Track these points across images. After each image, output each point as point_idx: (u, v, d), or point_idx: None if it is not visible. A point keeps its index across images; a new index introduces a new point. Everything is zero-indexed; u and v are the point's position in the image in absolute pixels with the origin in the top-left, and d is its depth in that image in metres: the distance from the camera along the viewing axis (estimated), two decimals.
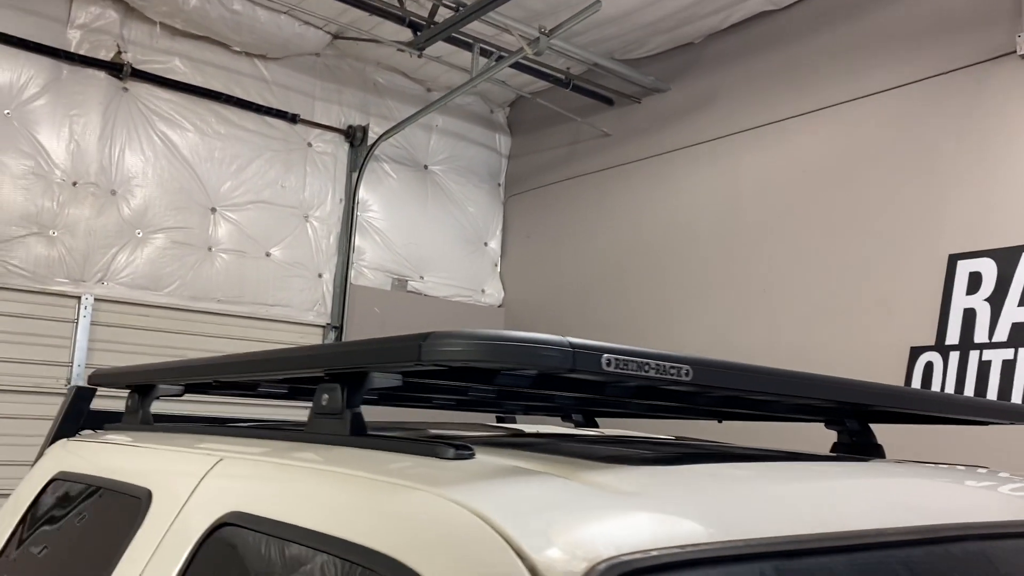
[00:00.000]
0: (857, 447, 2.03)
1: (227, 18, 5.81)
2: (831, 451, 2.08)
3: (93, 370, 2.49)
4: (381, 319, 6.60)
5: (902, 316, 4.70)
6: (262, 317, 6.15)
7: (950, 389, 4.43)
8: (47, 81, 5.39)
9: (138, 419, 2.17)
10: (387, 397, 2.28)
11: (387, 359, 1.24)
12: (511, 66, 5.87)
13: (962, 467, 1.84)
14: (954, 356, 4.46)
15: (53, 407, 4.62)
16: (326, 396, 1.45)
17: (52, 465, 2.16)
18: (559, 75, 6.49)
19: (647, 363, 1.22)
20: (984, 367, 4.34)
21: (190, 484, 1.51)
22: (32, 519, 2.05)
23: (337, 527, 1.11)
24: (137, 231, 5.67)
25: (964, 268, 4.50)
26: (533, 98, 6.91)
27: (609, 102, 6.66)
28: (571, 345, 1.15)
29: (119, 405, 2.37)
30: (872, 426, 2.05)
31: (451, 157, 7.25)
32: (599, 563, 0.88)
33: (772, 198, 5.47)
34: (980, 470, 1.80)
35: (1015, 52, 4.43)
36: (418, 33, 5.63)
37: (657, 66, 6.32)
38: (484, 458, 1.24)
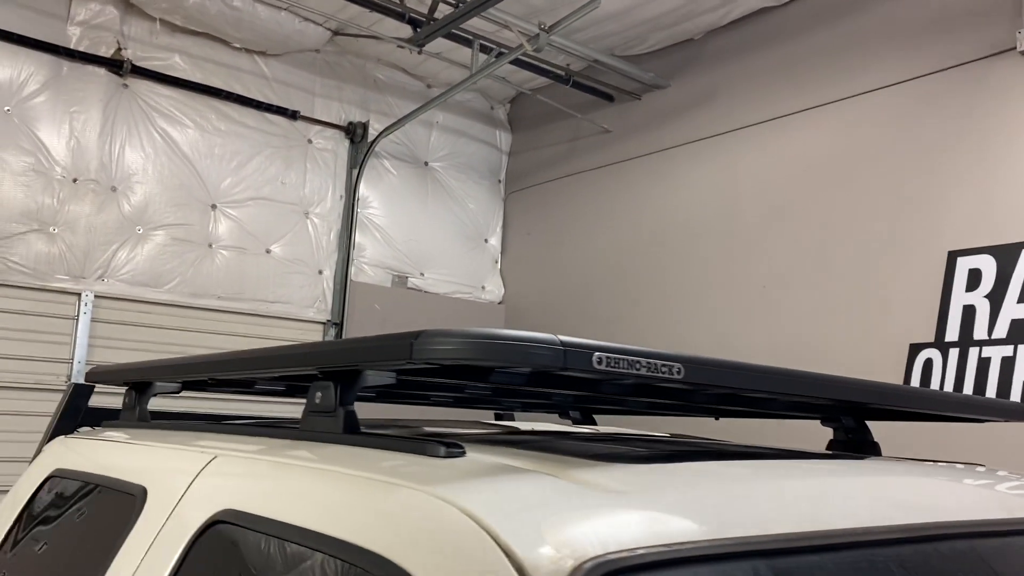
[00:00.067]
0: (853, 444, 2.04)
1: (227, 14, 5.81)
2: (827, 448, 2.08)
3: (90, 367, 2.50)
4: (381, 316, 6.60)
5: (902, 313, 4.70)
6: (262, 314, 6.16)
7: (949, 386, 4.43)
8: (47, 78, 5.39)
9: (135, 416, 2.18)
10: (384, 394, 2.28)
11: (379, 357, 1.25)
12: (511, 62, 5.86)
13: (960, 465, 1.84)
14: (953, 353, 4.46)
15: (53, 404, 4.62)
16: (319, 394, 1.45)
17: (50, 462, 2.17)
18: (559, 71, 6.48)
19: (638, 361, 1.22)
20: (983, 364, 4.34)
21: (184, 481, 1.52)
22: (29, 516, 2.06)
23: (328, 525, 1.12)
24: (137, 228, 5.68)
25: (964, 265, 4.50)
26: (533, 94, 6.91)
27: (609, 98, 6.66)
28: (562, 343, 1.15)
29: (118, 402, 2.38)
30: (871, 423, 2.05)
31: (451, 154, 7.25)
32: (586, 561, 0.88)
33: (772, 194, 5.47)
34: (977, 468, 1.80)
35: (1015, 48, 4.42)
36: (418, 29, 5.63)
37: (657, 62, 6.31)
38: (475, 456, 1.24)
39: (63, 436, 2.32)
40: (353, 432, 1.39)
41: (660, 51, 6.30)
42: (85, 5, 5.56)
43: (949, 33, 4.72)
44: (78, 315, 5.41)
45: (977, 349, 4.38)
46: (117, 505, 1.67)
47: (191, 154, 5.93)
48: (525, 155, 7.47)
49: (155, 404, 2.24)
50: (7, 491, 2.30)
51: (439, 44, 5.98)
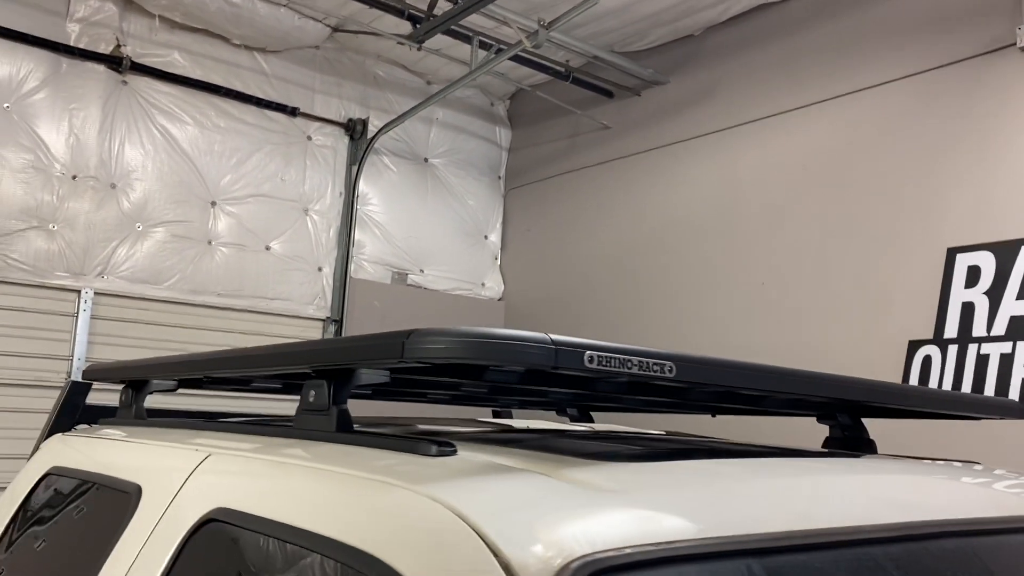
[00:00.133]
0: (849, 442, 2.04)
1: (226, 11, 5.81)
2: (823, 446, 2.08)
3: (87, 365, 2.50)
4: (381, 312, 6.61)
5: (901, 309, 4.70)
6: (262, 311, 6.16)
7: (948, 383, 4.43)
8: (46, 75, 5.39)
9: (131, 414, 2.18)
10: (381, 392, 2.28)
11: (371, 356, 1.25)
12: (511, 59, 5.86)
13: (957, 463, 1.84)
14: (952, 350, 4.46)
15: (53, 401, 4.63)
16: (313, 393, 1.45)
17: (47, 460, 2.17)
18: (559, 68, 6.48)
19: (630, 360, 1.22)
20: (982, 360, 4.34)
21: (179, 480, 1.52)
22: (26, 513, 2.06)
23: (318, 523, 1.12)
24: (137, 225, 5.68)
25: (963, 261, 4.50)
26: (533, 91, 6.90)
27: (609, 95, 6.65)
28: (553, 342, 1.15)
29: (116, 399, 2.38)
30: (869, 420, 2.05)
31: (451, 150, 7.24)
32: (573, 560, 0.88)
33: (771, 191, 5.46)
34: (975, 467, 1.80)
35: (1015, 44, 4.41)
36: (417, 26, 5.63)
37: (656, 59, 6.31)
38: (467, 455, 1.25)
39: (60, 434, 2.32)
40: (346, 431, 1.39)
41: (660, 47, 6.29)
42: (84, 2, 5.56)
43: (949, 29, 4.71)
44: (78, 312, 5.41)
45: (976, 346, 4.38)
46: (112, 503, 1.67)
47: (190, 151, 5.93)
48: (525, 151, 7.47)
49: (155, 401, 2.24)
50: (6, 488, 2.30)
51: (439, 40, 5.98)
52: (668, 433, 2.42)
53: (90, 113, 5.53)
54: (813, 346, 5.04)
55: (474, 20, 5.57)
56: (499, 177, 7.55)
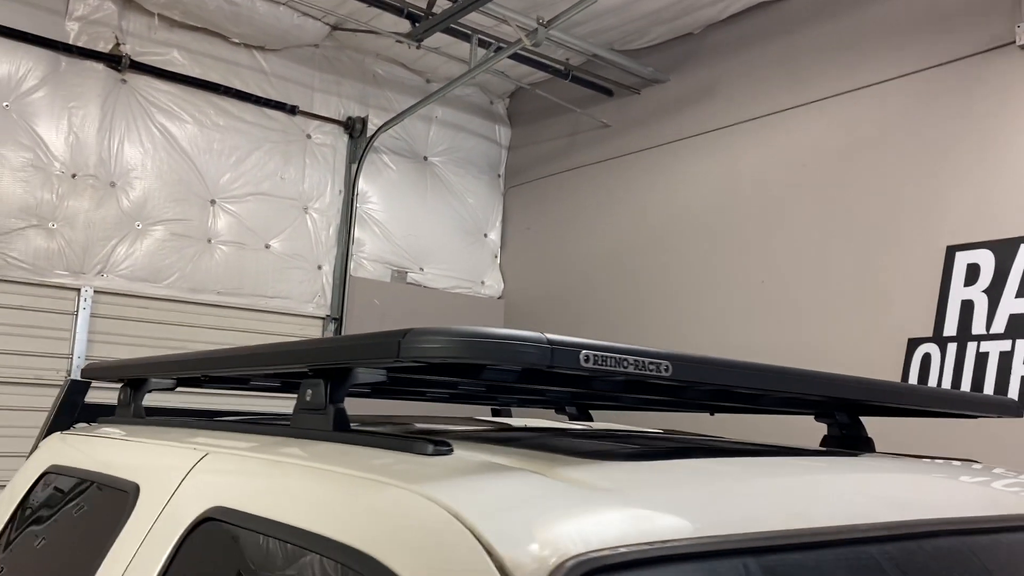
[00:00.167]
0: (847, 440, 2.04)
1: (225, 9, 5.81)
2: (821, 444, 2.08)
3: (86, 363, 2.50)
4: (381, 311, 6.61)
5: (900, 307, 4.70)
6: (261, 309, 6.16)
7: (947, 380, 4.43)
8: (45, 73, 5.39)
9: (130, 412, 2.19)
10: (380, 390, 2.28)
11: (367, 356, 1.25)
12: (510, 57, 5.86)
13: (956, 462, 1.84)
14: (952, 348, 4.46)
15: (53, 399, 4.64)
16: (310, 392, 1.46)
17: (45, 458, 2.17)
18: (558, 66, 6.47)
19: (626, 359, 1.22)
20: (981, 358, 4.35)
21: (176, 479, 1.52)
22: (25, 512, 2.07)
23: (315, 523, 1.12)
24: (136, 223, 5.68)
25: (962, 259, 4.50)
26: (532, 89, 6.90)
27: (608, 93, 6.65)
28: (549, 342, 1.15)
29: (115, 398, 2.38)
30: (868, 419, 2.05)
31: (450, 148, 7.24)
32: (567, 560, 0.88)
33: (771, 189, 5.46)
34: (974, 465, 1.80)
35: (1014, 42, 4.41)
36: (416, 24, 5.63)
37: (656, 57, 6.31)
38: (463, 454, 1.25)
39: (59, 432, 2.33)
40: (343, 430, 1.40)
41: (659, 45, 6.29)
42: (83, 0, 5.56)
43: (948, 28, 4.71)
44: (77, 310, 5.41)
45: (975, 344, 4.38)
46: (110, 502, 1.68)
47: (190, 149, 5.93)
48: (524, 150, 7.47)
49: (155, 399, 2.25)
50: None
51: (438, 39, 5.98)
52: (666, 431, 2.42)
53: (89, 112, 5.54)
54: (813, 344, 5.04)
55: (473, 18, 5.57)
56: (499, 175, 7.55)
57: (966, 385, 4.36)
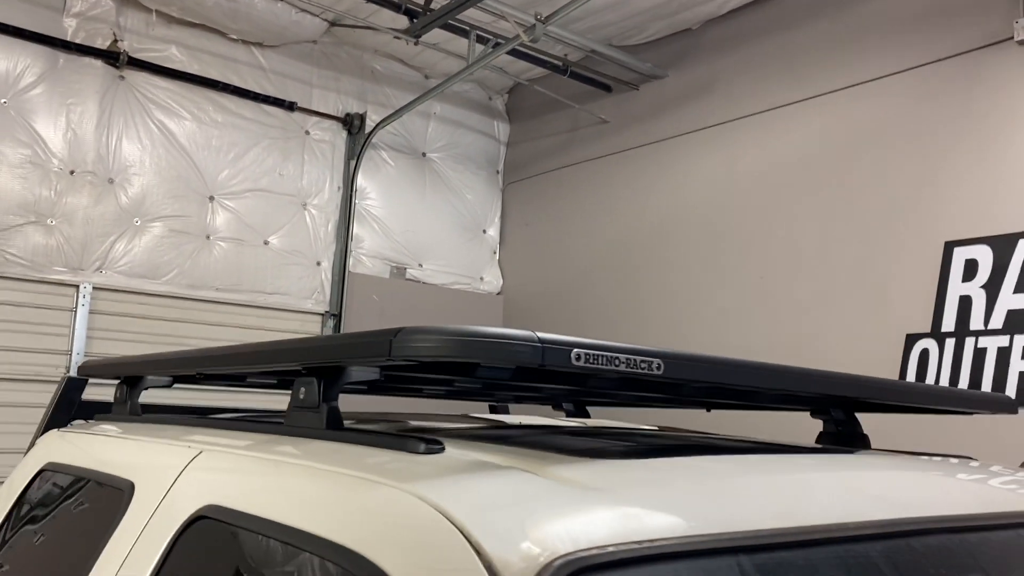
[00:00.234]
0: (843, 436, 2.04)
1: (223, 5, 5.80)
2: (816, 440, 2.09)
3: (83, 360, 2.51)
4: (380, 307, 6.61)
5: (898, 303, 4.70)
6: (260, 305, 6.17)
7: (945, 376, 4.44)
8: (43, 70, 5.39)
9: (127, 410, 2.19)
10: (377, 387, 2.29)
11: (360, 354, 1.25)
12: (508, 53, 5.85)
13: (953, 459, 1.84)
14: (950, 343, 4.46)
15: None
16: (303, 390, 1.46)
17: (42, 456, 2.18)
18: (556, 62, 6.47)
19: (617, 357, 1.22)
20: (979, 354, 4.35)
21: (171, 477, 1.53)
22: (22, 509, 2.07)
23: (306, 521, 1.13)
24: (135, 219, 5.68)
25: (960, 255, 4.50)
26: (531, 85, 6.90)
27: (607, 89, 6.64)
28: (540, 340, 1.16)
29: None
30: (865, 415, 2.05)
31: (449, 144, 7.24)
32: (555, 559, 0.89)
33: (769, 185, 5.46)
34: (971, 462, 1.80)
35: (1012, 38, 4.40)
36: (414, 20, 5.62)
37: (655, 52, 6.30)
38: (455, 452, 1.25)
39: (56, 429, 2.33)
40: (336, 428, 1.40)
41: (658, 41, 6.28)
42: None
43: (947, 23, 4.70)
44: (76, 307, 5.42)
45: (973, 339, 4.38)
46: (106, 499, 1.68)
47: (188, 146, 5.93)
48: (523, 146, 7.46)
49: (154, 395, 2.25)
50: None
51: (436, 35, 5.97)
52: (661, 428, 2.43)
53: (87, 108, 5.54)
54: (811, 339, 5.04)
55: (471, 14, 5.57)
56: (497, 171, 7.55)
57: (964, 381, 4.36)
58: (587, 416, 2.86)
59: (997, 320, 4.32)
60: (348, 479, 1.16)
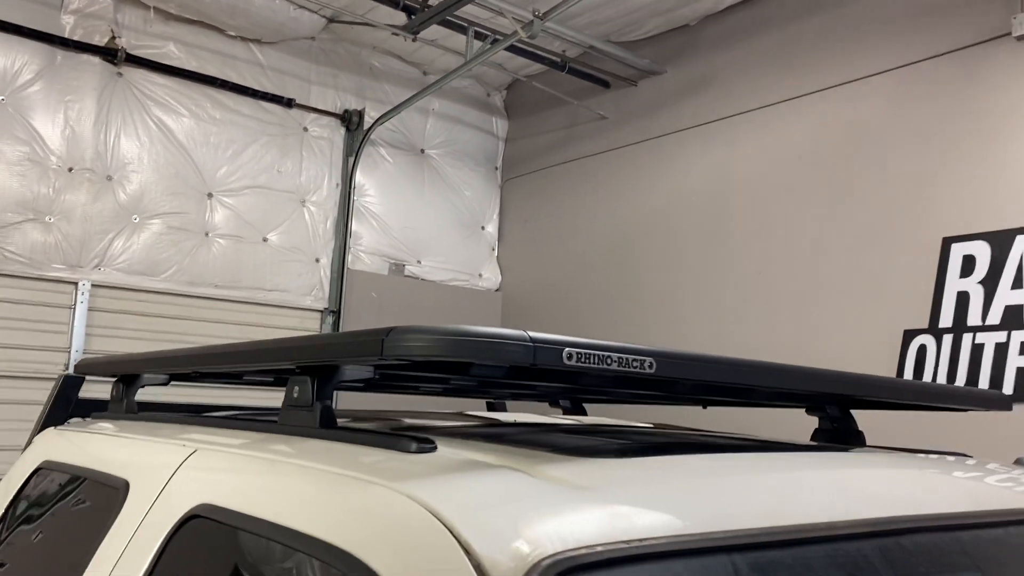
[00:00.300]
0: (838, 433, 2.04)
1: (221, 2, 5.80)
2: (812, 437, 2.09)
3: (81, 358, 2.51)
4: (378, 303, 6.62)
5: (896, 299, 4.70)
6: (259, 302, 6.17)
7: (943, 372, 4.44)
8: (41, 67, 5.39)
9: (123, 408, 2.19)
10: (373, 385, 2.29)
11: (352, 354, 1.26)
12: (507, 49, 5.85)
13: (950, 457, 1.84)
14: (947, 339, 4.47)
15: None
16: (297, 388, 1.46)
17: (39, 454, 2.18)
18: (555, 58, 6.47)
19: (609, 356, 1.23)
20: (977, 350, 4.35)
21: (165, 475, 1.53)
22: (18, 507, 2.08)
23: (298, 520, 1.13)
24: (133, 217, 5.69)
25: (958, 251, 4.50)
26: (529, 81, 6.89)
27: (605, 85, 6.64)
28: (532, 340, 1.16)
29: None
30: (863, 411, 2.05)
31: (448, 141, 7.24)
32: (544, 559, 0.89)
33: (768, 180, 5.46)
34: (967, 460, 1.80)
35: (1010, 34, 4.40)
36: (412, 16, 5.62)
37: (653, 49, 6.30)
38: (446, 451, 1.25)
39: (53, 428, 2.33)
40: (329, 427, 1.40)
41: (656, 37, 6.28)
42: None
43: (944, 19, 4.70)
44: (75, 304, 5.43)
45: (971, 335, 4.39)
46: (101, 498, 1.68)
47: (186, 143, 5.93)
48: (522, 142, 7.46)
49: (153, 391, 2.25)
50: None
51: (434, 31, 5.97)
52: (656, 426, 2.43)
53: (85, 105, 5.54)
54: (809, 335, 5.05)
55: (469, 10, 5.56)
56: (496, 168, 7.55)
57: (961, 376, 4.37)
58: (584, 413, 2.86)
59: (995, 316, 4.32)
60: (340, 478, 1.17)
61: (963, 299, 4.45)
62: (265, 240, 6.24)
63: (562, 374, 1.61)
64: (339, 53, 6.71)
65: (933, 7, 4.76)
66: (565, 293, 6.75)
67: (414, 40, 6.00)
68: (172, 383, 2.25)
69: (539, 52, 6.35)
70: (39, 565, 1.79)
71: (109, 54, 5.61)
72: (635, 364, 1.26)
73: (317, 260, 6.48)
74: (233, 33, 6.15)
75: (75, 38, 5.51)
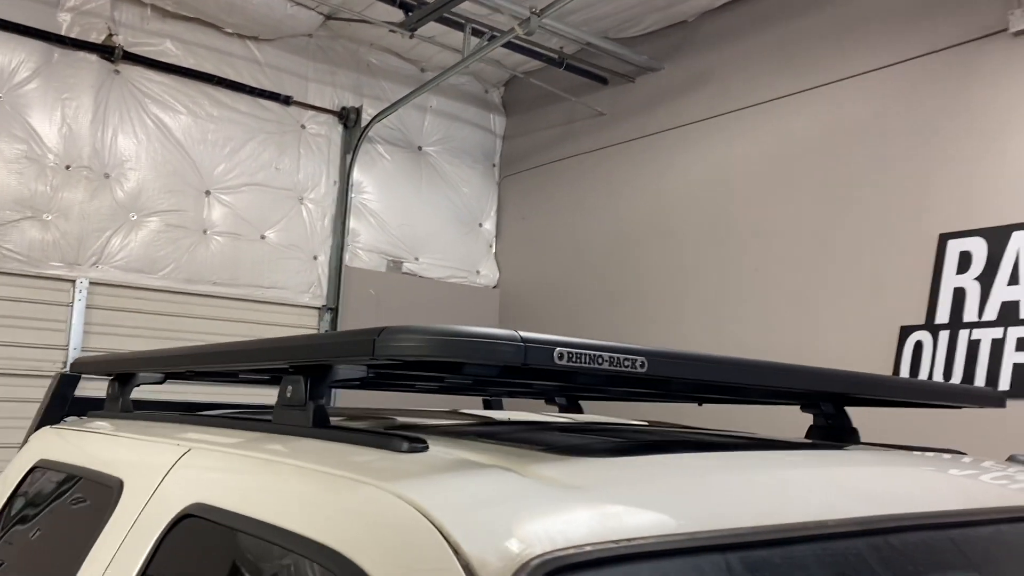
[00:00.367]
0: (832, 430, 2.05)
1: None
2: (806, 435, 2.09)
3: (77, 356, 2.51)
4: (376, 300, 6.62)
5: (892, 295, 4.71)
6: (257, 299, 6.18)
7: (939, 368, 4.45)
8: (38, 65, 5.39)
9: (118, 407, 2.20)
10: (369, 383, 2.29)
11: (344, 354, 1.26)
12: (504, 46, 5.84)
13: (946, 454, 1.84)
14: (944, 335, 4.47)
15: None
16: (290, 388, 1.47)
17: (35, 452, 2.18)
18: (552, 55, 6.46)
19: (600, 356, 1.23)
20: (973, 346, 4.36)
21: (159, 475, 1.53)
22: (13, 506, 2.08)
23: (290, 520, 1.13)
24: (131, 214, 5.69)
25: (954, 247, 4.50)
26: (527, 78, 6.89)
27: (603, 81, 6.64)
28: (523, 340, 1.16)
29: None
30: (860, 408, 2.06)
31: (445, 138, 7.24)
32: (532, 559, 0.89)
33: (765, 177, 5.46)
34: (963, 458, 1.81)
35: (1006, 30, 4.40)
36: (409, 13, 5.62)
37: (650, 45, 6.29)
38: (438, 451, 1.26)
39: (49, 426, 2.34)
40: (322, 426, 1.40)
41: (653, 33, 6.28)
42: None
43: (941, 15, 4.70)
44: (73, 302, 5.43)
45: (967, 331, 4.39)
46: (95, 497, 1.69)
47: (184, 140, 5.93)
48: (519, 139, 7.46)
49: (152, 389, 2.26)
50: None
51: (431, 28, 5.97)
52: (651, 423, 2.43)
53: (83, 103, 5.53)
54: (806, 331, 5.05)
55: (466, 7, 5.56)
56: (493, 165, 7.55)
57: (958, 372, 4.37)
58: (579, 410, 2.87)
59: (991, 312, 4.33)
60: (331, 478, 1.17)
61: (959, 295, 4.45)
62: (263, 237, 6.24)
63: (554, 373, 1.61)
64: (336, 50, 6.70)
65: (929, 3, 4.76)
66: (563, 290, 6.75)
67: (411, 37, 6.00)
68: (168, 381, 2.25)
69: (536, 49, 6.34)
70: (34, 564, 1.79)
71: (106, 51, 5.61)
72: (627, 364, 1.26)
73: (315, 257, 6.48)
74: (230, 30, 6.14)
75: (72, 36, 5.50)
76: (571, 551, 0.91)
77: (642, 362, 1.28)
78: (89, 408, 2.42)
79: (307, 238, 6.45)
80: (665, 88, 6.23)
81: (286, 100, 6.37)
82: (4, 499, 2.13)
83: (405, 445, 1.23)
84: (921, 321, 4.56)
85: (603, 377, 1.71)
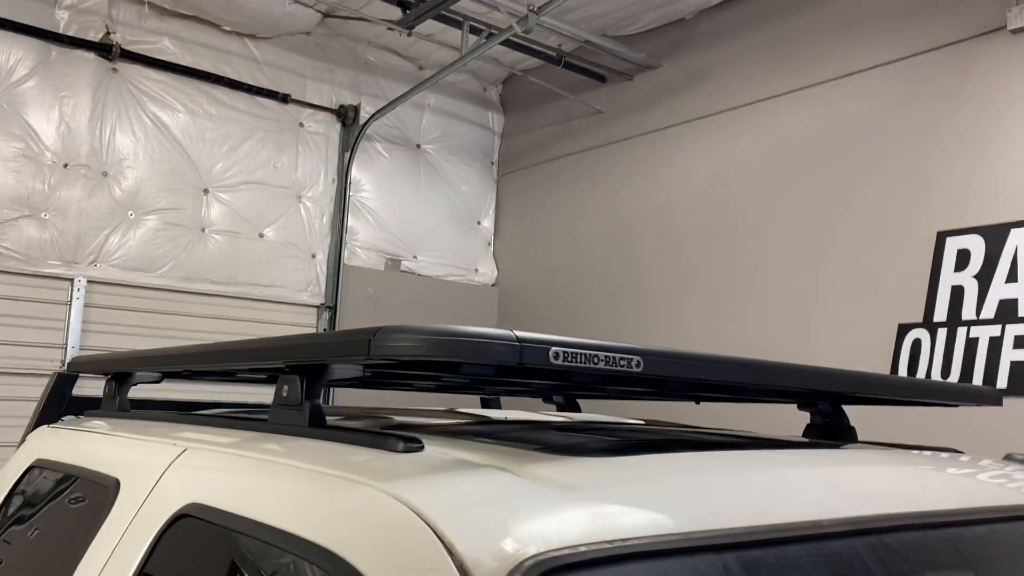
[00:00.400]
0: (829, 429, 2.04)
1: None
2: (803, 433, 2.09)
3: (74, 355, 2.51)
4: (375, 299, 6.62)
5: (891, 293, 4.71)
6: (256, 298, 6.17)
7: (937, 366, 4.45)
8: (36, 63, 5.38)
9: (115, 406, 2.19)
10: (366, 382, 2.29)
11: (340, 353, 1.26)
12: (502, 44, 5.84)
13: (941, 453, 1.84)
14: (942, 333, 4.47)
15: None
16: (286, 387, 1.47)
17: (32, 452, 2.18)
18: (550, 52, 6.46)
19: (596, 355, 1.23)
20: (971, 344, 4.36)
21: (155, 475, 1.53)
22: (10, 505, 2.08)
23: (285, 520, 1.13)
24: (129, 213, 5.68)
25: (952, 245, 4.50)
26: (525, 76, 6.88)
27: (601, 79, 6.63)
28: (518, 339, 1.16)
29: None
30: (858, 407, 2.06)
31: (444, 136, 7.23)
32: (526, 559, 0.89)
33: (763, 175, 5.46)
34: (958, 456, 1.81)
35: (1005, 27, 4.40)
36: (407, 11, 5.61)
37: (649, 43, 6.29)
38: (433, 450, 1.26)
39: (46, 425, 2.34)
40: (318, 426, 1.40)
41: (652, 31, 6.27)
42: None
43: (939, 12, 4.70)
44: (71, 300, 5.42)
45: (965, 329, 4.39)
46: (92, 496, 1.69)
47: (182, 138, 5.92)
48: (518, 137, 7.45)
49: (151, 387, 2.25)
50: None
51: (430, 26, 5.96)
52: (648, 422, 2.43)
53: (80, 101, 5.53)
54: (804, 329, 5.05)
55: (464, 5, 5.56)
56: (492, 163, 7.54)
57: (955, 370, 4.37)
58: (577, 409, 2.87)
59: (989, 310, 4.33)
60: (326, 478, 1.17)
61: (957, 293, 4.45)
62: (261, 236, 6.23)
63: (550, 372, 1.61)
64: (334, 48, 6.70)
65: (928, 1, 4.75)
66: (561, 287, 6.75)
67: (409, 35, 6.00)
68: (166, 380, 2.25)
69: (535, 46, 6.34)
70: (31, 563, 1.79)
71: (104, 50, 5.60)
72: (622, 363, 1.26)
73: (313, 256, 6.48)
74: (228, 28, 6.14)
75: (70, 34, 5.49)
76: (566, 551, 0.91)
77: (638, 361, 1.28)
78: (86, 407, 2.42)
79: (305, 236, 6.44)
80: (663, 86, 6.23)
81: (284, 98, 6.36)
82: (1, 498, 2.13)
83: (401, 445, 1.23)
84: (919, 319, 4.57)
85: (599, 376, 1.71)
